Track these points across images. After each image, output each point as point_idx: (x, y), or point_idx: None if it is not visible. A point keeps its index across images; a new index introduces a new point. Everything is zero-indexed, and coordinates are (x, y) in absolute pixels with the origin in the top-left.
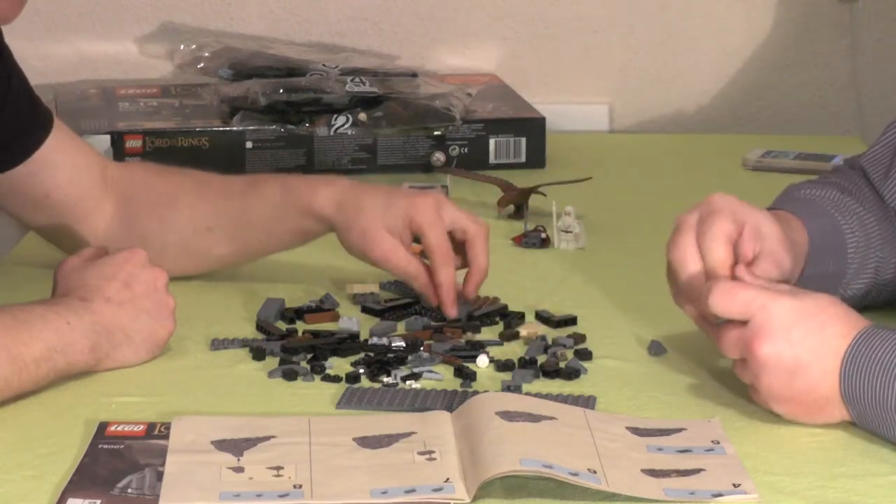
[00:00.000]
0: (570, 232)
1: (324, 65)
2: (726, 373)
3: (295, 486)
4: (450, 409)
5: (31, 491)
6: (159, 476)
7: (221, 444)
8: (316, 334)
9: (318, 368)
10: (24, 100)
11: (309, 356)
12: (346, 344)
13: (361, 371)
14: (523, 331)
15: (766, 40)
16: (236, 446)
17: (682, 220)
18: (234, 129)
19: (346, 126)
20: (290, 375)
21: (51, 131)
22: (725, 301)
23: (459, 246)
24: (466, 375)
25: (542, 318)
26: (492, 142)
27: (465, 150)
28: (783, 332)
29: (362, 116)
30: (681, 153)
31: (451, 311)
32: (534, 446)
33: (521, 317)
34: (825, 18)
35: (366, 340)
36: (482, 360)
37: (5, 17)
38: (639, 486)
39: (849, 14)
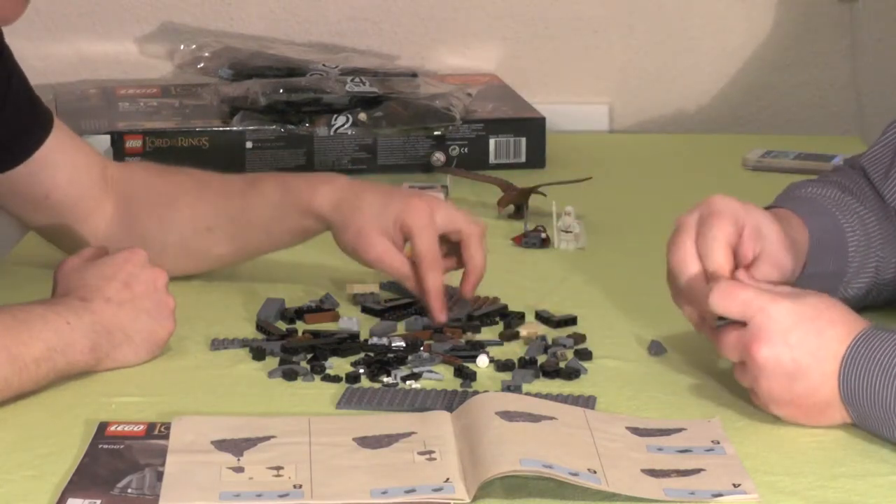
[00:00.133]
0: (570, 232)
1: (324, 65)
2: (726, 373)
3: (295, 486)
4: (450, 409)
5: (31, 491)
6: (159, 476)
7: (221, 444)
8: (316, 334)
9: (318, 368)
10: (25, 100)
11: (309, 356)
12: (346, 344)
13: (361, 371)
14: (523, 331)
15: (766, 40)
16: (236, 446)
17: (682, 222)
18: (234, 129)
19: (346, 126)
20: (290, 375)
21: (51, 131)
22: (726, 301)
23: (455, 247)
24: (466, 375)
25: (542, 318)
26: (492, 142)
27: (465, 150)
28: (782, 335)
29: (362, 116)
30: (681, 153)
31: (440, 317)
32: (534, 446)
33: (521, 317)
34: (825, 18)
35: (366, 340)
36: (482, 360)
37: (7, 18)
38: (639, 486)
39: (849, 14)
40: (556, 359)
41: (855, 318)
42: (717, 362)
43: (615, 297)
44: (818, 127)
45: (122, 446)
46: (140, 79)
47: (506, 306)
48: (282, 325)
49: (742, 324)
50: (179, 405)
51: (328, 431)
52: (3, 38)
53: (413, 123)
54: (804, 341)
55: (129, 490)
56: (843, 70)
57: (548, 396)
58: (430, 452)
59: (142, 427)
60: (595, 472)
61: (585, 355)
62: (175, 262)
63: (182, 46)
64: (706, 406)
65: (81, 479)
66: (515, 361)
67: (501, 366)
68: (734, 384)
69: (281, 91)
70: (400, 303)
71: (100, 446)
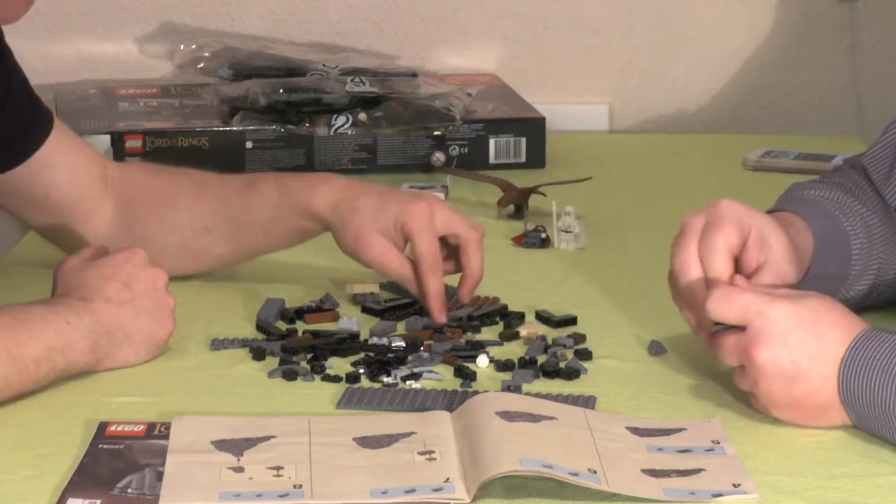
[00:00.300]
0: (570, 232)
1: (324, 65)
2: (726, 373)
3: (295, 486)
4: (450, 409)
5: (31, 491)
6: (159, 476)
7: (221, 444)
8: (316, 334)
9: (318, 368)
10: (25, 100)
11: (309, 356)
12: (346, 344)
13: (361, 371)
14: (523, 331)
15: (766, 40)
16: (236, 446)
17: (688, 224)
18: (234, 129)
19: (346, 126)
20: (290, 375)
21: (51, 131)
22: (723, 306)
23: (453, 250)
24: (466, 375)
25: (542, 318)
26: (492, 142)
27: (465, 150)
28: (781, 337)
29: (362, 116)
30: (681, 153)
31: (440, 319)
32: (534, 446)
33: (521, 317)
34: (825, 18)
35: (366, 340)
36: (482, 360)
37: (10, 17)
38: (639, 486)
39: (849, 14)
40: (556, 359)
41: (854, 321)
42: (716, 363)
43: (615, 297)
44: (818, 127)
45: (122, 446)
46: (140, 79)
47: (506, 306)
48: (282, 325)
49: (740, 329)
50: (179, 405)
51: (328, 431)
52: (3, 39)
53: (413, 123)
54: (804, 344)
55: (129, 490)
56: (843, 70)
57: (548, 396)
58: (430, 452)
59: (142, 427)
60: (595, 472)
61: (585, 355)
62: (175, 262)
63: (182, 46)
64: (706, 406)
65: (81, 479)
66: (515, 361)
67: (501, 366)
68: (734, 385)
69: (281, 91)
70: (400, 303)
71: (100, 446)
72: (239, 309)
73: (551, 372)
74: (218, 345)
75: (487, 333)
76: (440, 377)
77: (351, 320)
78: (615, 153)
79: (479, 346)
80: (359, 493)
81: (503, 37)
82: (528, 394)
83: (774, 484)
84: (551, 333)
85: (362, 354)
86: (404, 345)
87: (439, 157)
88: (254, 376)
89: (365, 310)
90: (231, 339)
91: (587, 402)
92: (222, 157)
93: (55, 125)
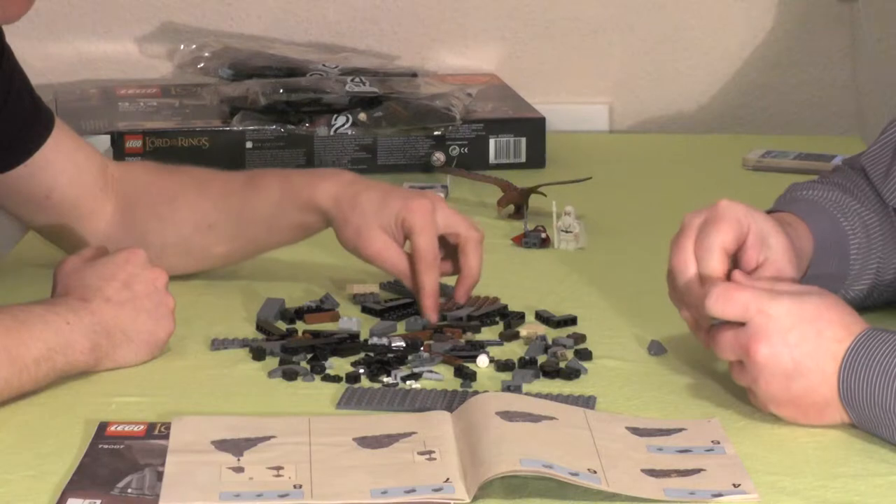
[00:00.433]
0: (570, 232)
1: (324, 65)
2: (726, 373)
3: (295, 486)
4: (450, 409)
5: (31, 491)
6: (159, 476)
7: (221, 444)
8: (316, 334)
9: (318, 368)
10: (26, 100)
11: (309, 356)
12: (346, 344)
13: (361, 371)
14: (523, 331)
15: (766, 40)
16: (236, 446)
17: (688, 223)
18: (234, 129)
19: (346, 126)
20: (290, 375)
21: (52, 131)
22: (722, 304)
23: (452, 250)
24: (466, 375)
25: (542, 318)
26: (492, 142)
27: (465, 150)
28: (781, 335)
29: (362, 116)
30: (681, 153)
31: (433, 317)
32: (534, 446)
33: (521, 317)
34: (825, 18)
35: (366, 340)
36: (482, 360)
37: (10, 17)
38: (639, 486)
39: (849, 14)
40: (556, 359)
41: (854, 320)
42: (716, 362)
43: (615, 297)
44: (818, 127)
45: (122, 446)
46: (140, 79)
47: (506, 306)
48: (282, 325)
49: (738, 323)
50: (179, 405)
51: (328, 431)
52: (3, 39)
53: (413, 123)
54: (803, 341)
55: (129, 490)
56: (843, 70)
57: (548, 396)
58: (430, 452)
59: (142, 427)
60: (595, 472)
61: (585, 355)
62: (176, 261)
63: (182, 46)
64: (706, 406)
65: (81, 479)
66: (515, 361)
67: (501, 366)
68: (734, 384)
69: (281, 91)
70: (400, 303)
71: (100, 446)
72: (239, 309)
73: (551, 372)
74: (218, 345)
75: (487, 333)
76: (440, 377)
77: (351, 320)
78: (615, 153)
79: (479, 346)
80: (359, 493)
81: (503, 37)
82: (528, 394)
83: (774, 484)
84: (551, 333)
85: (362, 354)
86: (404, 345)
87: (439, 157)
88: (254, 376)
89: (365, 310)
90: (231, 339)
91: (587, 402)
92: (222, 157)
93: (56, 125)
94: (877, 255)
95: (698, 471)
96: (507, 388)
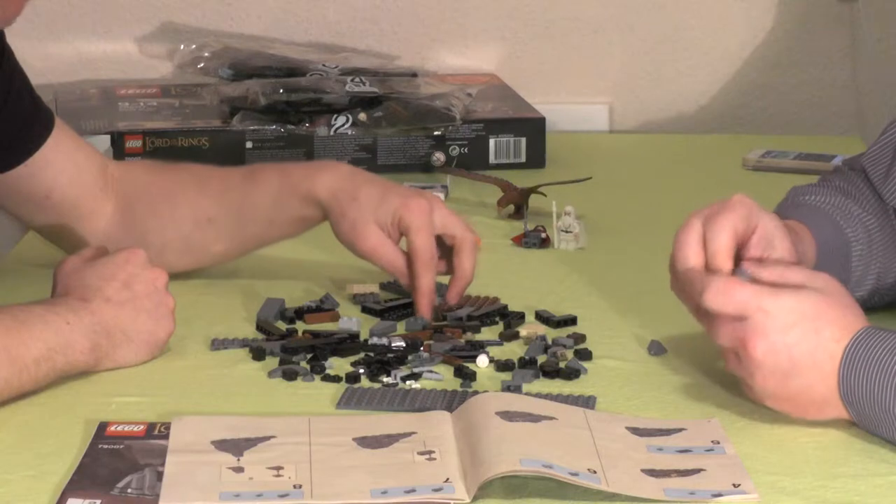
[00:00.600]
0: (570, 232)
1: (324, 65)
2: (726, 373)
3: (295, 486)
4: (450, 409)
5: (31, 491)
6: (159, 476)
7: (221, 444)
8: (316, 334)
9: (318, 368)
10: (26, 100)
11: (309, 356)
12: (346, 344)
13: (361, 371)
14: (523, 331)
15: (766, 40)
16: (236, 446)
17: (695, 212)
18: (234, 129)
19: (346, 126)
20: (290, 375)
21: (52, 131)
22: (721, 299)
23: (446, 251)
24: (466, 375)
25: (542, 318)
26: (492, 142)
27: (465, 150)
28: (780, 333)
29: (362, 116)
30: (681, 153)
31: (427, 315)
32: (534, 446)
33: (521, 317)
34: (825, 18)
35: (366, 340)
36: (482, 360)
37: (8, 16)
38: (639, 486)
39: (849, 14)
40: (556, 359)
41: (855, 318)
42: (717, 362)
43: (615, 297)
44: (818, 127)
45: (122, 446)
46: (140, 79)
47: (506, 306)
48: (282, 325)
49: None
50: (179, 405)
51: (328, 431)
52: (4, 39)
53: (413, 123)
54: (802, 340)
55: (129, 490)
56: (843, 70)
57: (548, 396)
58: (430, 452)
59: (142, 427)
60: (595, 472)
61: (585, 355)
62: (177, 258)
63: (182, 46)
64: (706, 406)
65: (81, 479)
66: (515, 361)
67: (501, 366)
68: (733, 384)
69: (281, 91)
70: (400, 303)
71: (100, 446)
72: (239, 309)
73: (551, 372)
74: (218, 345)
75: (487, 333)
76: (440, 377)
77: (351, 320)
78: (615, 153)
79: (479, 346)
80: (359, 493)
81: (503, 37)
82: (528, 394)
83: (774, 484)
84: (551, 333)
85: (362, 354)
86: (404, 345)
87: (439, 157)
88: (254, 376)
89: (365, 310)
90: (231, 339)
91: (587, 402)
92: (222, 157)
93: (56, 125)
94: (878, 259)
95: (698, 471)
96: (507, 388)
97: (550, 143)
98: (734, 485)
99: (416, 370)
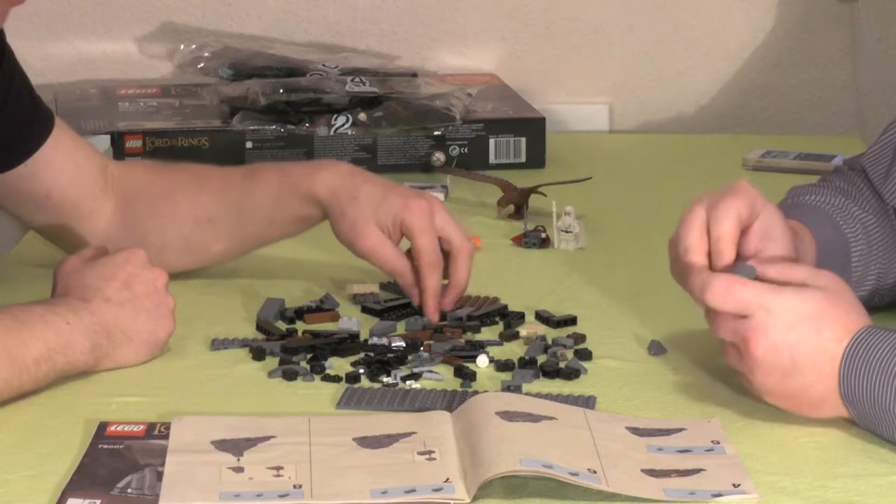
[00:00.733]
0: (570, 232)
1: (324, 65)
2: (726, 373)
3: (295, 486)
4: (450, 409)
5: (31, 491)
6: (159, 476)
7: (221, 444)
8: (316, 334)
9: (318, 368)
10: (26, 100)
11: (309, 356)
12: (346, 344)
13: (361, 371)
14: (523, 331)
15: (766, 40)
16: (236, 446)
17: (699, 197)
18: (234, 129)
19: (346, 126)
20: (290, 375)
21: (52, 131)
22: (723, 297)
23: (444, 256)
24: (466, 375)
25: (542, 318)
26: (492, 142)
27: (465, 150)
28: (781, 332)
29: (362, 116)
30: (681, 153)
31: (434, 317)
32: (534, 446)
33: (521, 317)
34: (825, 18)
35: (366, 340)
36: (482, 360)
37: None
38: (639, 486)
39: (849, 14)
40: (556, 359)
41: (856, 317)
42: (717, 362)
43: (615, 297)
44: (818, 127)
45: (122, 446)
46: (140, 79)
47: (506, 306)
48: (282, 325)
49: None
50: (179, 405)
51: (328, 431)
52: (4, 39)
53: (413, 123)
54: (803, 340)
55: (129, 490)
56: (843, 70)
57: (548, 396)
58: (430, 452)
59: (142, 427)
60: (595, 472)
61: (585, 355)
62: (177, 258)
63: (182, 46)
64: (706, 406)
65: (81, 479)
66: (515, 361)
67: (501, 366)
68: (734, 384)
69: (281, 91)
70: (400, 303)
71: (100, 446)
72: (239, 309)
73: (551, 372)
74: (218, 345)
75: (487, 333)
76: (440, 377)
77: (351, 320)
78: (615, 153)
79: (479, 346)
80: (359, 493)
81: (503, 37)
82: (528, 394)
83: (774, 484)
84: (551, 333)
85: (362, 354)
86: (404, 345)
87: (439, 157)
88: (254, 376)
89: (365, 310)
90: (231, 339)
91: (587, 402)
92: (222, 157)
93: (56, 125)
94: (878, 260)
95: (698, 471)
96: (507, 388)
97: (550, 143)
98: (734, 485)
99: (416, 370)
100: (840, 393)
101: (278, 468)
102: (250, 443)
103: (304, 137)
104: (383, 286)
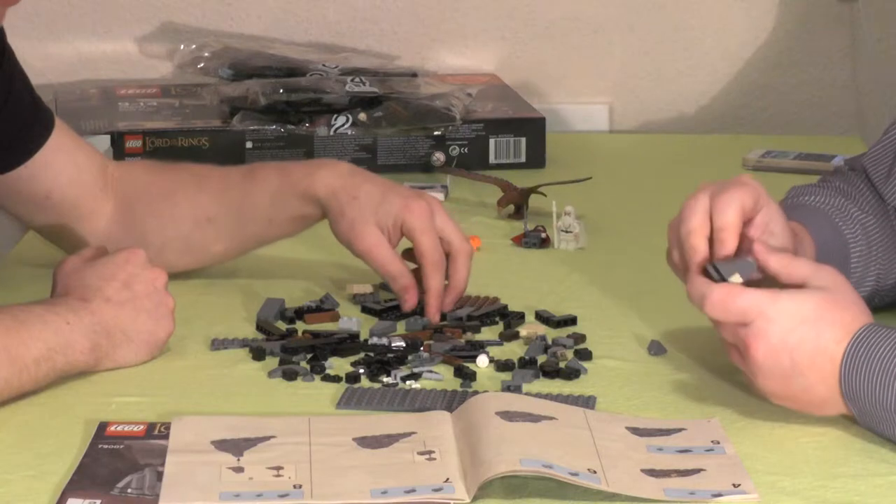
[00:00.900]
0: (570, 232)
1: (324, 65)
2: (726, 373)
3: (295, 486)
4: (450, 409)
5: (31, 491)
6: (159, 476)
7: (221, 444)
8: (316, 334)
9: (318, 368)
10: (27, 100)
11: (309, 356)
12: (346, 344)
13: (361, 371)
14: (523, 331)
15: (766, 40)
16: (236, 446)
17: (703, 185)
18: (234, 129)
19: (346, 126)
20: (290, 375)
21: (52, 131)
22: (722, 308)
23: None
24: (466, 375)
25: (542, 318)
26: (492, 142)
27: (465, 150)
28: (781, 336)
29: (362, 116)
30: (681, 153)
31: (435, 318)
32: (534, 446)
33: (521, 317)
34: (825, 18)
35: (366, 340)
36: (482, 360)
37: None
38: (639, 486)
39: (849, 14)
40: (556, 359)
41: (857, 315)
42: (717, 362)
43: (615, 297)
44: (818, 127)
45: (122, 446)
46: (140, 79)
47: (506, 306)
48: (282, 325)
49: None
50: (179, 405)
51: (328, 431)
52: (5, 39)
53: (413, 123)
54: (803, 343)
55: (129, 490)
56: (843, 70)
57: (548, 396)
58: (430, 452)
59: (142, 427)
60: (595, 472)
61: (585, 355)
62: (177, 258)
63: (182, 46)
64: (706, 406)
65: (81, 479)
66: (515, 361)
67: (501, 366)
68: (734, 384)
69: (281, 91)
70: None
71: (100, 446)
72: (239, 309)
73: (551, 372)
74: (218, 345)
75: (487, 333)
76: (440, 377)
77: (351, 320)
78: (615, 153)
79: (479, 346)
80: (359, 493)
81: (503, 37)
82: (528, 394)
83: (774, 484)
84: (551, 333)
85: (362, 354)
86: (404, 345)
87: (439, 157)
88: (254, 376)
89: (365, 310)
90: (231, 339)
91: (587, 402)
92: (222, 157)
93: (56, 125)
94: (877, 261)
95: (698, 471)
96: (507, 388)
97: (550, 143)
98: (734, 485)
99: (416, 370)
100: (841, 392)
101: (278, 468)
102: (250, 443)
103: (304, 137)
104: (383, 286)
